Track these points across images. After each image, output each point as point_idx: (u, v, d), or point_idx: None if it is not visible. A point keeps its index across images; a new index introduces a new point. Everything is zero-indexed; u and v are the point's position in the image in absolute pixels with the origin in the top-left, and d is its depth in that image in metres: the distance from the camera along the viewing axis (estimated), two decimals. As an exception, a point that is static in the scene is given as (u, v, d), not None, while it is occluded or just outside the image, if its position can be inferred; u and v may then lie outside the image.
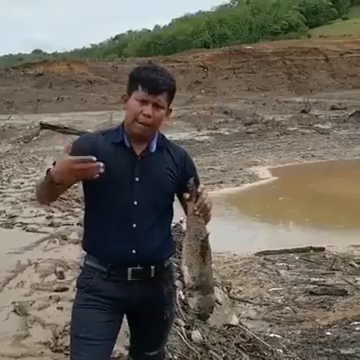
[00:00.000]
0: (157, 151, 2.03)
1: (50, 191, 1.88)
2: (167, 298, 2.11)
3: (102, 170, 1.70)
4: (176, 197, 2.11)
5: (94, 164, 1.69)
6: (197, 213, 1.92)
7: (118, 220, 1.96)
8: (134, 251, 1.96)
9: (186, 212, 2.04)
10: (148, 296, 2.01)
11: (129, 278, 1.97)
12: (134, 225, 1.96)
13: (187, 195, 1.93)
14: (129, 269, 1.97)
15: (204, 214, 1.94)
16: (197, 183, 1.97)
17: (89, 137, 2.09)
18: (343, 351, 4.03)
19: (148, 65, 2.00)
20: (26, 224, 6.22)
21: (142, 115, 1.91)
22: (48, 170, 1.80)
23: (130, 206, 1.96)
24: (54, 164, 1.79)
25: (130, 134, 1.99)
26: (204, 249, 1.91)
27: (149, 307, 2.04)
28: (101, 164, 1.69)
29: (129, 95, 1.96)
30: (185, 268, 1.91)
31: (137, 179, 1.96)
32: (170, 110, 2.03)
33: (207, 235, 1.92)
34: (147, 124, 1.93)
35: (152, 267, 2.01)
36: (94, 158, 1.68)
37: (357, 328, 4.46)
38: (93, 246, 2.02)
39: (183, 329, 3.31)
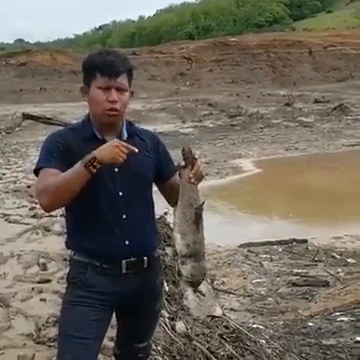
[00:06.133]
0: (129, 138, 1.99)
1: (75, 181, 1.79)
2: (159, 288, 2.12)
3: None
4: (155, 185, 2.09)
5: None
6: (192, 181, 1.88)
7: (108, 213, 1.92)
8: (127, 242, 1.94)
9: (167, 199, 2.05)
10: (142, 287, 2.00)
11: (124, 271, 1.94)
12: (124, 216, 1.94)
13: (182, 162, 1.90)
14: (123, 261, 1.94)
15: (199, 182, 1.92)
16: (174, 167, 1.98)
17: (61, 135, 1.98)
18: (325, 342, 4.07)
19: (100, 51, 1.96)
20: (8, 215, 6.15)
21: (108, 102, 1.87)
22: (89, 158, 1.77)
23: (116, 197, 1.93)
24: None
25: (100, 125, 1.94)
26: (198, 217, 1.88)
27: (142, 298, 2.02)
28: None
29: (88, 86, 1.90)
30: (178, 236, 1.88)
31: (116, 169, 1.92)
32: (132, 92, 1.99)
33: (203, 203, 1.90)
34: (116, 110, 1.88)
35: (145, 258, 1.99)
36: (136, 149, 1.83)
37: (339, 319, 4.50)
38: (83, 243, 1.94)
39: (167, 320, 3.32)
